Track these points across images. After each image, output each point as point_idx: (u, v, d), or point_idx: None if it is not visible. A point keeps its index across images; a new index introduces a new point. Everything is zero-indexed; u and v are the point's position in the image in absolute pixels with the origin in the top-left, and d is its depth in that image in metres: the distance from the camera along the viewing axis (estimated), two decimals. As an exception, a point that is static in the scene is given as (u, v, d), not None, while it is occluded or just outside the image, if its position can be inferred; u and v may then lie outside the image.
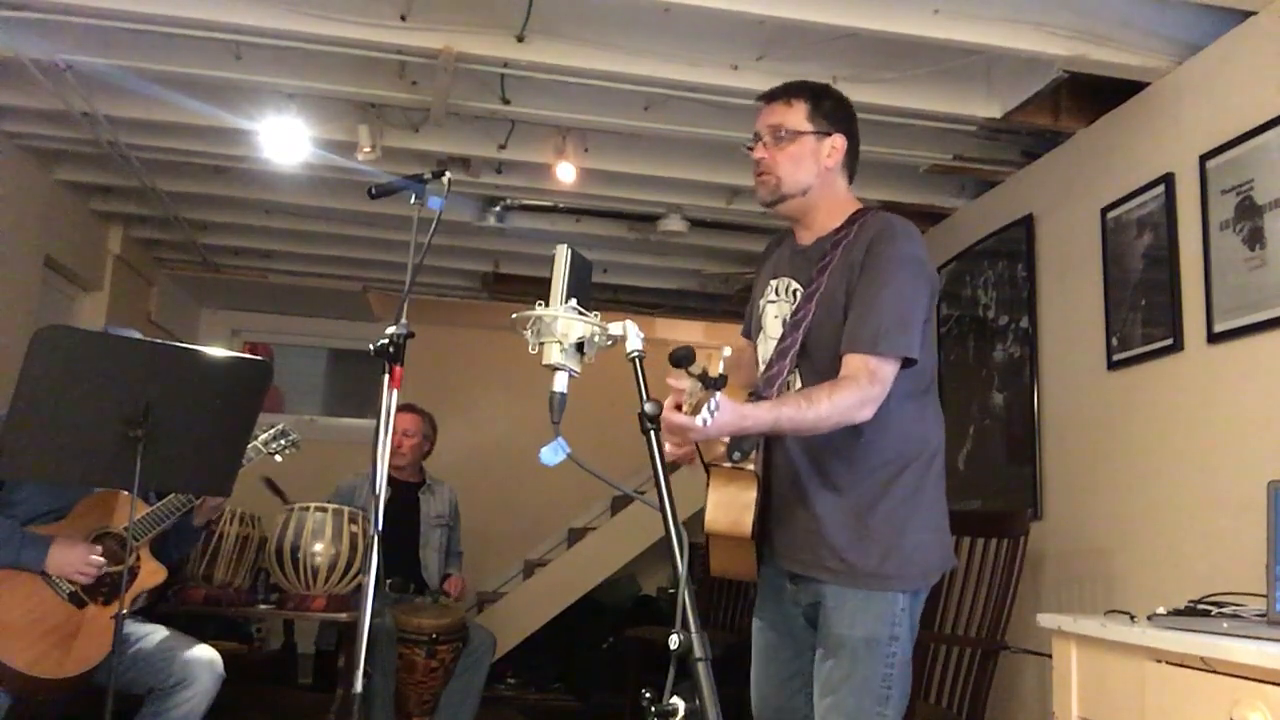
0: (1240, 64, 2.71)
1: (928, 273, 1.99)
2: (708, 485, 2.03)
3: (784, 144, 2.03)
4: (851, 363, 1.88)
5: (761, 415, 1.78)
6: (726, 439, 1.91)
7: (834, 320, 1.95)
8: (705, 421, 1.57)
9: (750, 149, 2.08)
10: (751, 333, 2.21)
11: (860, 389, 1.84)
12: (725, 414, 1.65)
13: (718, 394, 1.56)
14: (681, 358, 1.52)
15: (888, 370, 1.88)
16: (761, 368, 2.07)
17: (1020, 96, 3.25)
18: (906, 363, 1.91)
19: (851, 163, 2.10)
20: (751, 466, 2.00)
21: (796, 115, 2.04)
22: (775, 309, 2.09)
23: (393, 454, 4.35)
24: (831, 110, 2.06)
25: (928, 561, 1.99)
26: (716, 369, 1.56)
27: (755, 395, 1.95)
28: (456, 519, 4.54)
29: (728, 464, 1.97)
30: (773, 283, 2.12)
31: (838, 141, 2.05)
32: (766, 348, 2.08)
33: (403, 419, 4.31)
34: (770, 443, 2.05)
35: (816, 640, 2.00)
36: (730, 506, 1.99)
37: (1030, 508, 3.41)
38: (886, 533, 1.94)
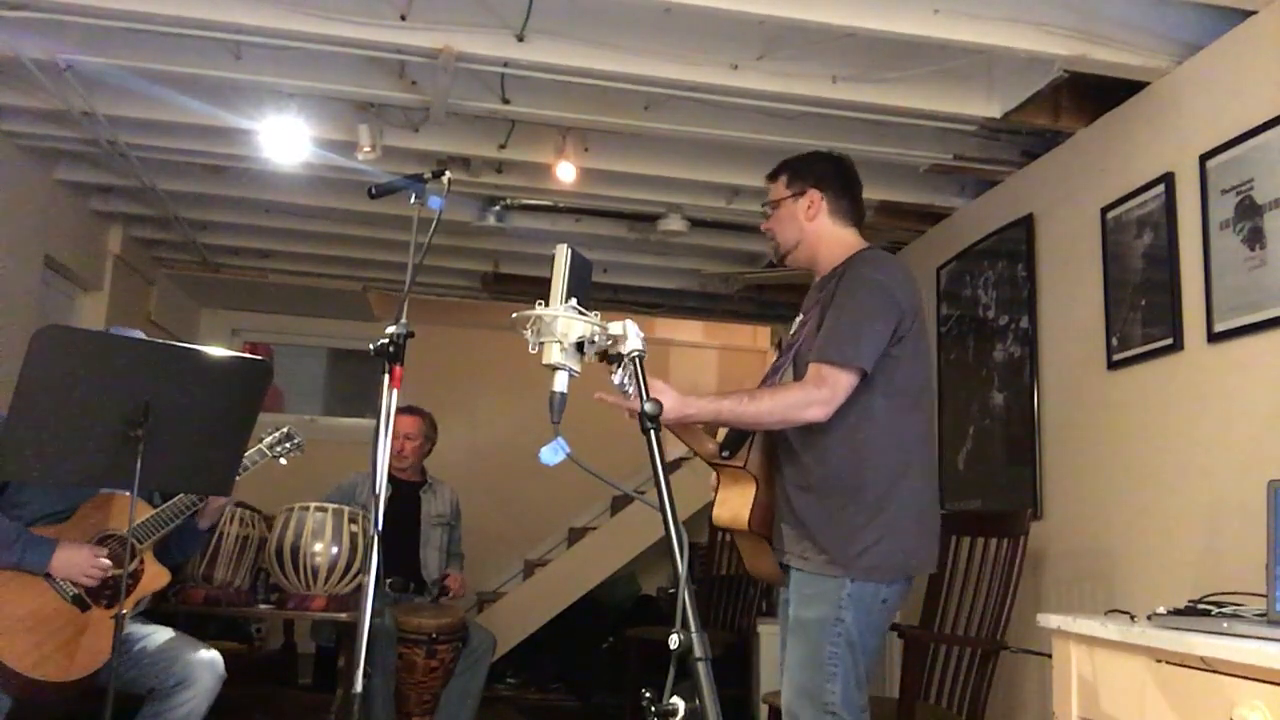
0: (1240, 64, 2.71)
1: (888, 293, 2.21)
2: (716, 486, 2.31)
3: (775, 212, 2.43)
4: (809, 370, 2.16)
5: (704, 405, 2.06)
6: (718, 439, 2.21)
7: (812, 343, 2.23)
8: (625, 390, 1.68)
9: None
10: None
11: (806, 391, 2.12)
12: (669, 401, 1.91)
13: (620, 370, 1.68)
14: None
15: (839, 377, 2.12)
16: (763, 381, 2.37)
17: (1020, 96, 3.25)
18: (882, 378, 2.16)
19: (845, 207, 2.41)
20: (742, 464, 2.23)
21: (778, 188, 2.43)
22: (788, 341, 2.41)
23: (396, 457, 4.40)
24: (805, 171, 2.42)
25: (883, 559, 2.17)
26: (623, 349, 1.71)
27: None
28: (458, 519, 4.54)
29: (719, 460, 2.22)
30: (796, 321, 2.42)
31: (812, 196, 2.38)
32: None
33: (404, 422, 4.30)
34: (769, 451, 2.29)
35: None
36: (732, 503, 2.25)
37: (1030, 508, 3.41)
38: (849, 529, 2.17)
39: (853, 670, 2.14)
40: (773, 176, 2.47)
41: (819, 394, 2.10)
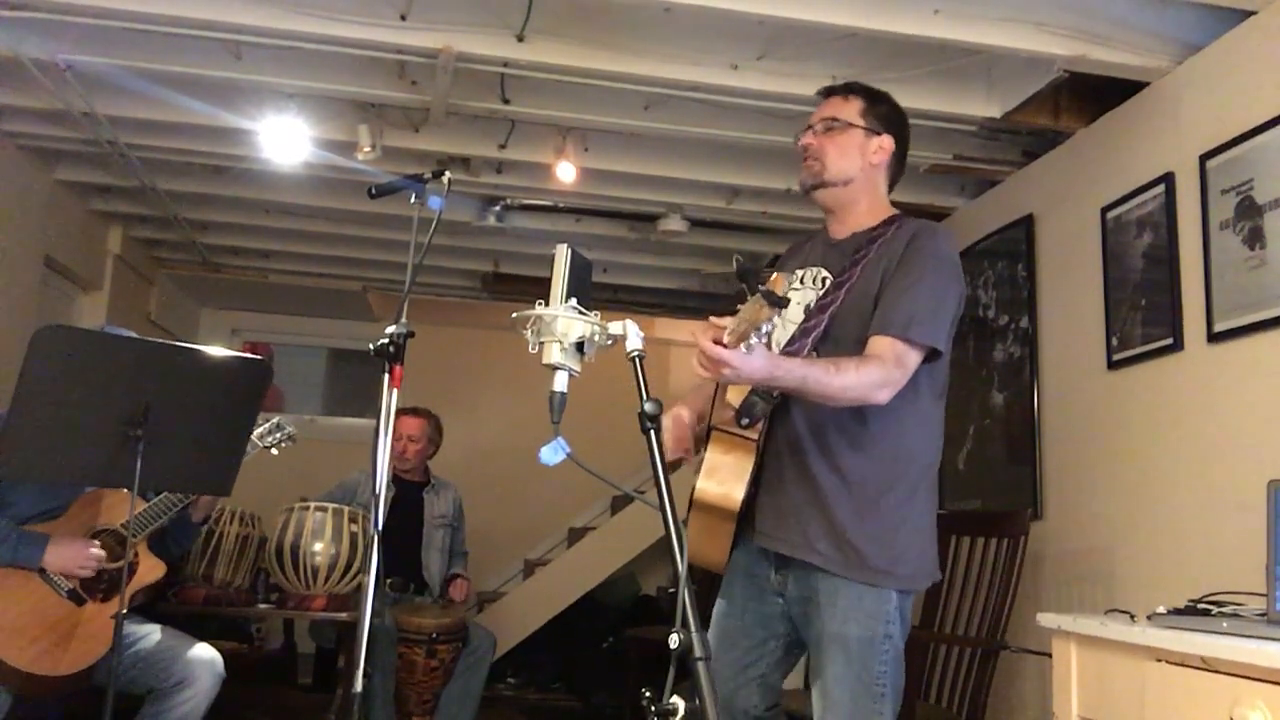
0: (1240, 64, 2.71)
1: (960, 276, 2.03)
2: (705, 448, 1.99)
3: (834, 133, 2.08)
4: (879, 344, 1.90)
5: (794, 369, 1.80)
6: (737, 404, 1.92)
7: (862, 310, 1.97)
8: (750, 347, 1.58)
9: (799, 140, 2.13)
10: None
11: (885, 369, 1.86)
12: (759, 361, 1.68)
13: (775, 319, 1.56)
14: (747, 271, 1.50)
15: (913, 357, 1.90)
16: (779, 347, 2.04)
17: (1020, 96, 3.25)
18: (930, 356, 1.94)
19: (897, 169, 2.15)
20: (755, 436, 1.97)
21: (851, 109, 2.10)
22: (799, 295, 2.08)
23: (398, 458, 4.40)
24: (886, 114, 2.12)
25: (918, 564, 2.01)
26: (781, 289, 1.60)
27: (753, 394, 1.94)
28: (461, 519, 4.54)
29: (738, 427, 1.94)
30: (800, 272, 2.13)
31: (885, 142, 2.10)
32: (786, 331, 2.05)
33: (407, 423, 4.29)
34: (775, 417, 2.02)
35: (806, 636, 2.02)
36: (725, 476, 1.96)
37: (1030, 508, 3.41)
38: (883, 527, 1.95)
39: (899, 686, 1.97)
40: (841, 93, 2.14)
41: (896, 374, 1.87)
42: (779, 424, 2.03)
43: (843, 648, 1.94)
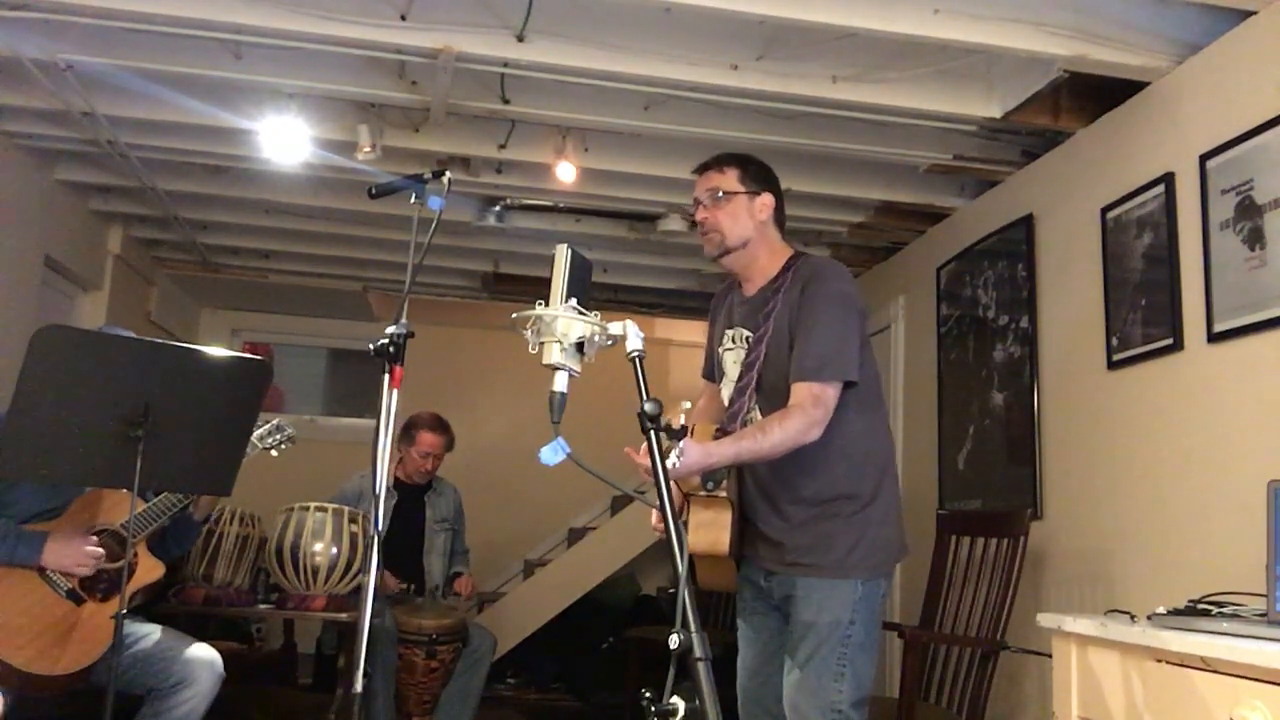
0: (1240, 64, 2.71)
1: (854, 303, 2.29)
2: (687, 513, 2.28)
3: (722, 204, 2.35)
4: (798, 391, 2.17)
5: (724, 450, 2.09)
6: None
7: (782, 357, 2.25)
8: (674, 464, 1.87)
9: (692, 215, 2.43)
10: (714, 376, 2.50)
11: (806, 414, 2.13)
12: (693, 454, 1.98)
13: (681, 442, 1.90)
14: (656, 414, 1.66)
15: (830, 394, 2.17)
16: (725, 404, 2.37)
17: (1020, 96, 3.25)
18: (848, 385, 2.21)
19: (780, 217, 2.42)
20: (724, 493, 2.25)
21: (729, 179, 2.37)
22: (732, 355, 2.39)
23: (416, 473, 4.41)
24: (757, 173, 2.40)
25: (884, 554, 2.29)
26: (678, 421, 1.97)
27: (721, 430, 2.27)
28: (461, 520, 4.53)
29: (703, 493, 2.23)
30: (728, 332, 2.42)
31: (766, 199, 2.37)
32: (729, 389, 2.38)
33: (433, 441, 4.29)
34: (740, 467, 2.31)
35: (789, 625, 2.30)
36: (709, 529, 2.26)
37: (1030, 508, 3.41)
38: (849, 533, 2.24)
39: (862, 670, 2.21)
40: (716, 167, 2.40)
41: (818, 414, 2.14)
42: (746, 473, 2.33)
43: (814, 632, 2.21)
